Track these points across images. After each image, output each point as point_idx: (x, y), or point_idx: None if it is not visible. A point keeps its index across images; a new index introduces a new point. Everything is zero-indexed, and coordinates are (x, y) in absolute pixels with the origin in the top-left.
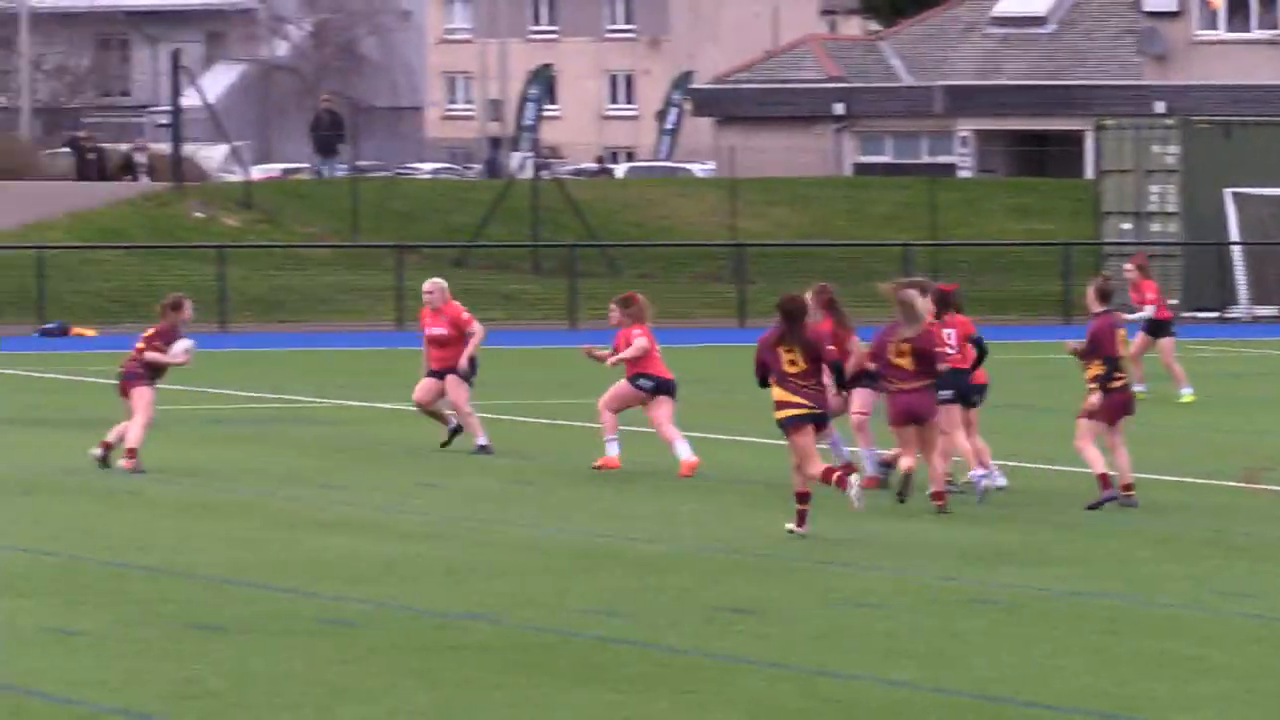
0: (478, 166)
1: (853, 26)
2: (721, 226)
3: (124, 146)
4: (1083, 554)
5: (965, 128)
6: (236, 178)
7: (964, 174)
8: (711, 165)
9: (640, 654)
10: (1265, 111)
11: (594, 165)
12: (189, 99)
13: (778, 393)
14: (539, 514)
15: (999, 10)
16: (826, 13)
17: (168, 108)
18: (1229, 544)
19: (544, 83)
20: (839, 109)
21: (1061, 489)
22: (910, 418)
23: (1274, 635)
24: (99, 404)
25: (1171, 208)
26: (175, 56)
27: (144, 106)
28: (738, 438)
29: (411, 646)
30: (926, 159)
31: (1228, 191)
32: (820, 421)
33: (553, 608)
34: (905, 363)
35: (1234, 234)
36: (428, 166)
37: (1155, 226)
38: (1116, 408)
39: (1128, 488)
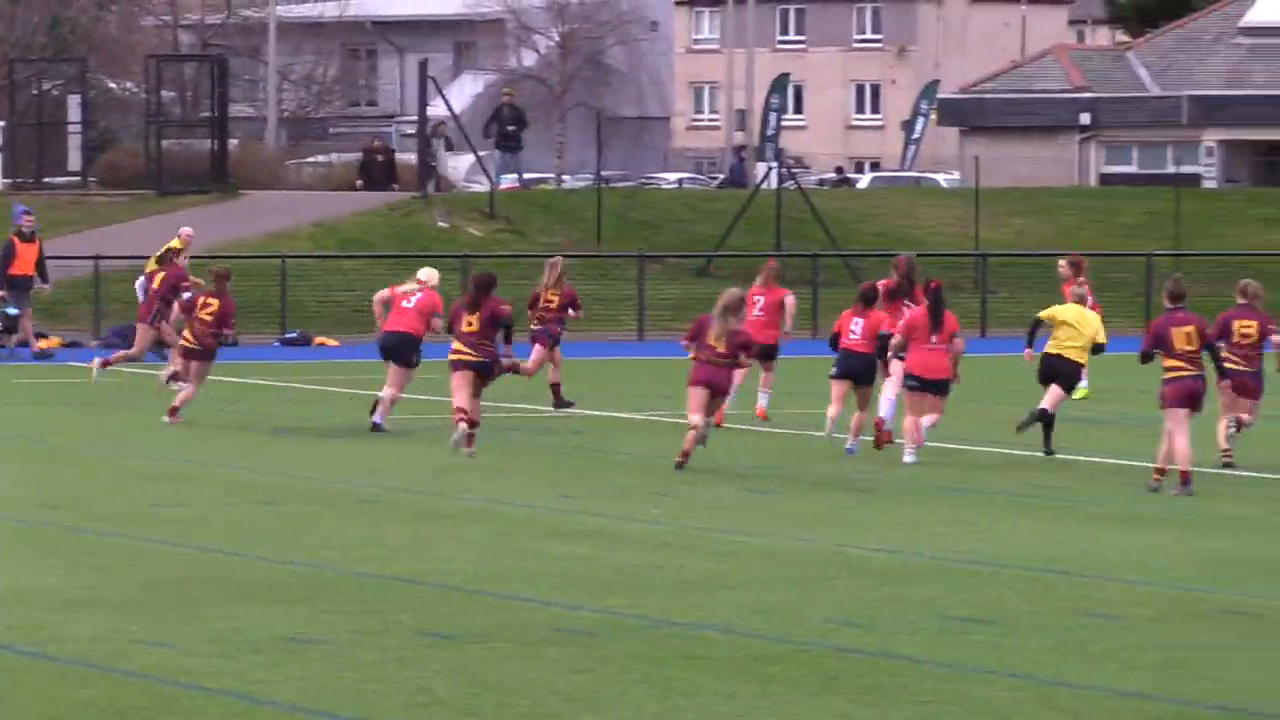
0: (721, 176)
1: (1101, 37)
2: (964, 236)
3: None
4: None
5: (1211, 138)
6: (482, 188)
7: (1209, 184)
8: (956, 175)
9: (876, 664)
10: None
11: (834, 175)
12: (436, 109)
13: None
14: (776, 523)
15: (1247, 20)
16: (1074, 23)
17: (414, 118)
18: None
19: (783, 91)
20: (1084, 119)
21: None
22: (707, 387)
23: None
24: (338, 413)
25: None
26: (423, 66)
27: (391, 116)
28: (979, 448)
29: (644, 656)
30: (1171, 169)
31: None
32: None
33: (788, 617)
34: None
35: None
36: (672, 176)
37: None
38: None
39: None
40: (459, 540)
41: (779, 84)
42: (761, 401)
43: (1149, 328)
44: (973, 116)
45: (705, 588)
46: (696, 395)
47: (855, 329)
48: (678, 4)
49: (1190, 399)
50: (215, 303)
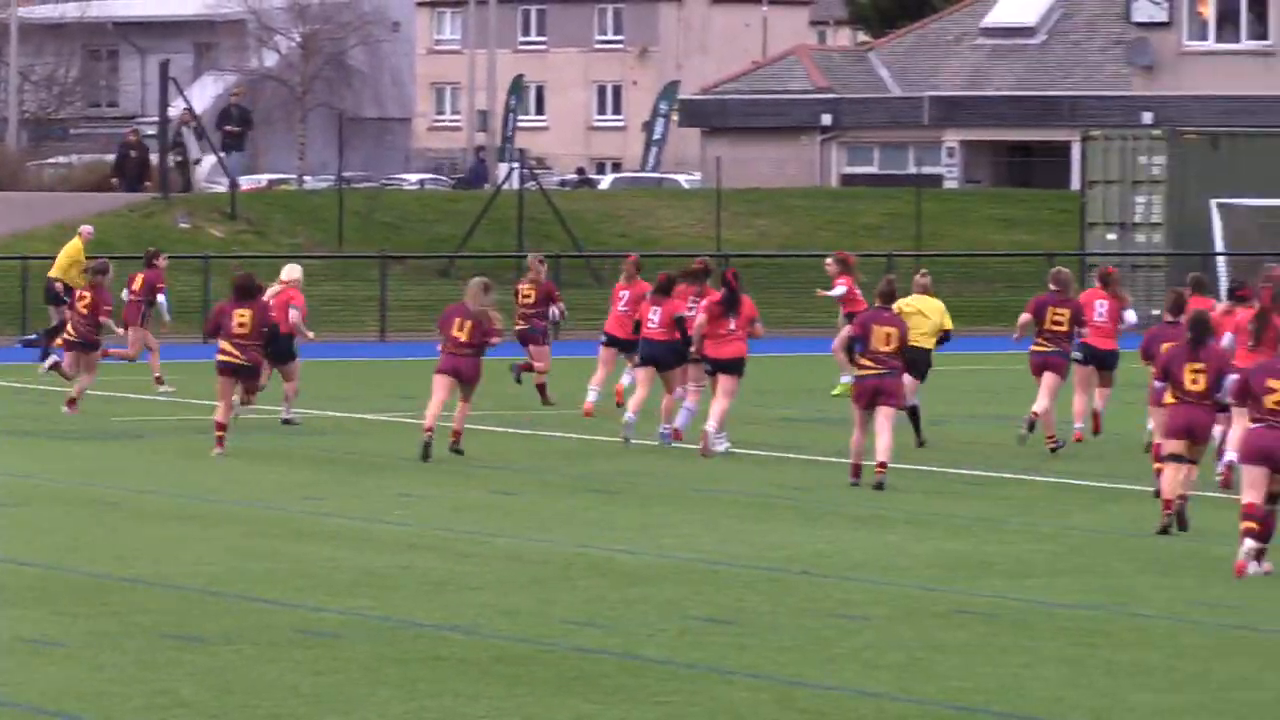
0: (459, 176)
1: (842, 37)
2: (706, 237)
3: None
4: (1062, 565)
5: (952, 138)
6: (222, 188)
7: (950, 185)
8: (697, 176)
9: (619, 664)
10: (1253, 122)
11: (576, 176)
12: (177, 109)
13: None
14: (520, 524)
15: (988, 21)
16: (816, 23)
17: (155, 119)
18: (1205, 554)
19: (520, 93)
20: (826, 119)
21: (1042, 499)
22: (453, 375)
23: (1250, 646)
24: (79, 415)
25: (1156, 218)
26: (164, 67)
27: (131, 117)
28: (714, 447)
29: (390, 657)
30: (913, 170)
31: (1213, 202)
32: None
33: (532, 619)
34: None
35: (1219, 245)
36: (414, 177)
37: (1140, 237)
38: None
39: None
40: (204, 542)
41: (516, 85)
42: (590, 398)
43: (856, 321)
44: (714, 117)
45: (449, 589)
46: (441, 384)
47: (654, 317)
48: (419, 4)
49: (872, 397)
50: (89, 296)
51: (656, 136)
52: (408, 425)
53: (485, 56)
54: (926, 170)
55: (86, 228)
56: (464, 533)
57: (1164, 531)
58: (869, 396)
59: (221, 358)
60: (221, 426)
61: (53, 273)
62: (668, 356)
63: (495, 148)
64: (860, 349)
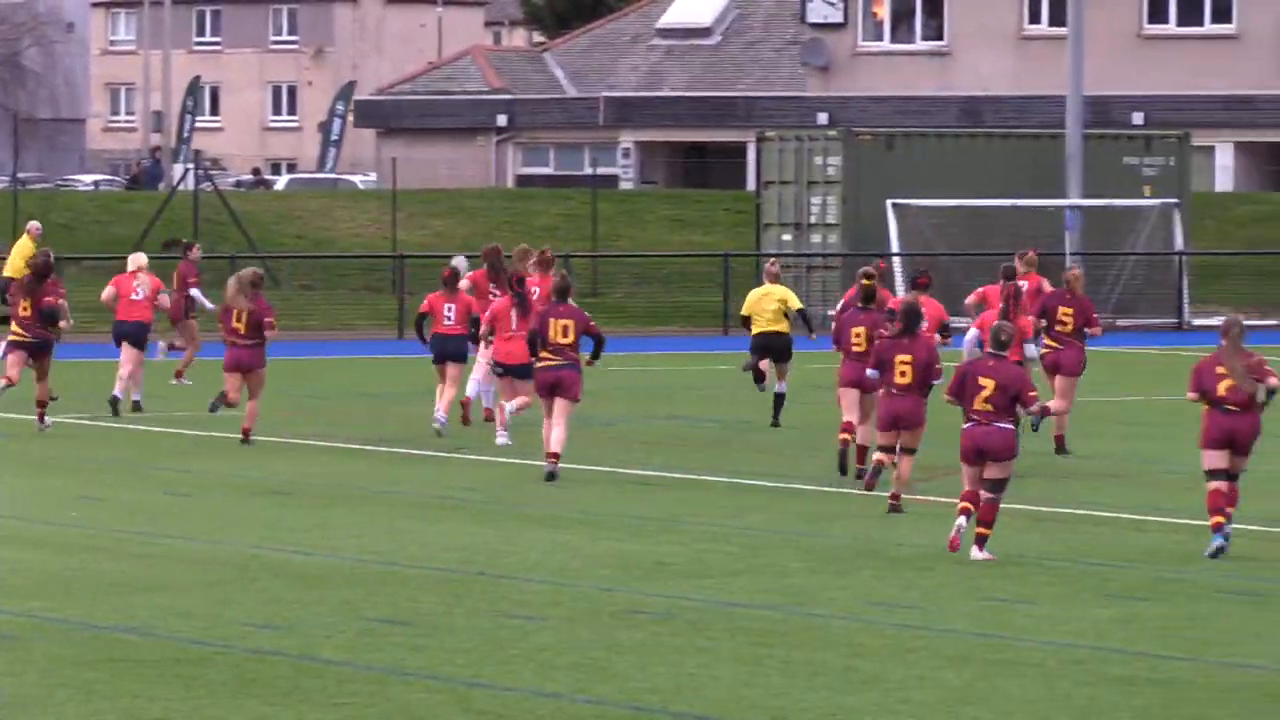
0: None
1: (518, 38)
2: (382, 238)
3: None
4: (739, 565)
5: (628, 139)
6: None
7: (626, 185)
8: (373, 176)
9: (296, 666)
10: (927, 123)
11: (251, 177)
12: None
13: None
14: (196, 526)
15: (664, 22)
16: (491, 24)
17: None
18: (883, 555)
19: (197, 94)
20: (502, 120)
21: (719, 499)
22: (237, 369)
23: (927, 645)
24: None
25: (832, 219)
26: None
27: None
28: (395, 450)
29: (67, 659)
30: (589, 170)
31: (889, 202)
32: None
33: (209, 620)
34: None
35: (895, 245)
36: (88, 178)
37: (816, 238)
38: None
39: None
40: None
41: (192, 87)
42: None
43: (534, 315)
44: (390, 118)
45: (125, 590)
46: (231, 379)
47: (449, 313)
48: (94, 5)
49: (551, 388)
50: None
51: (333, 137)
52: (87, 427)
53: (160, 57)
54: (602, 171)
55: (34, 224)
56: (139, 534)
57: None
58: (548, 388)
59: (12, 337)
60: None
61: (7, 271)
62: (460, 352)
63: (171, 149)
64: (541, 343)
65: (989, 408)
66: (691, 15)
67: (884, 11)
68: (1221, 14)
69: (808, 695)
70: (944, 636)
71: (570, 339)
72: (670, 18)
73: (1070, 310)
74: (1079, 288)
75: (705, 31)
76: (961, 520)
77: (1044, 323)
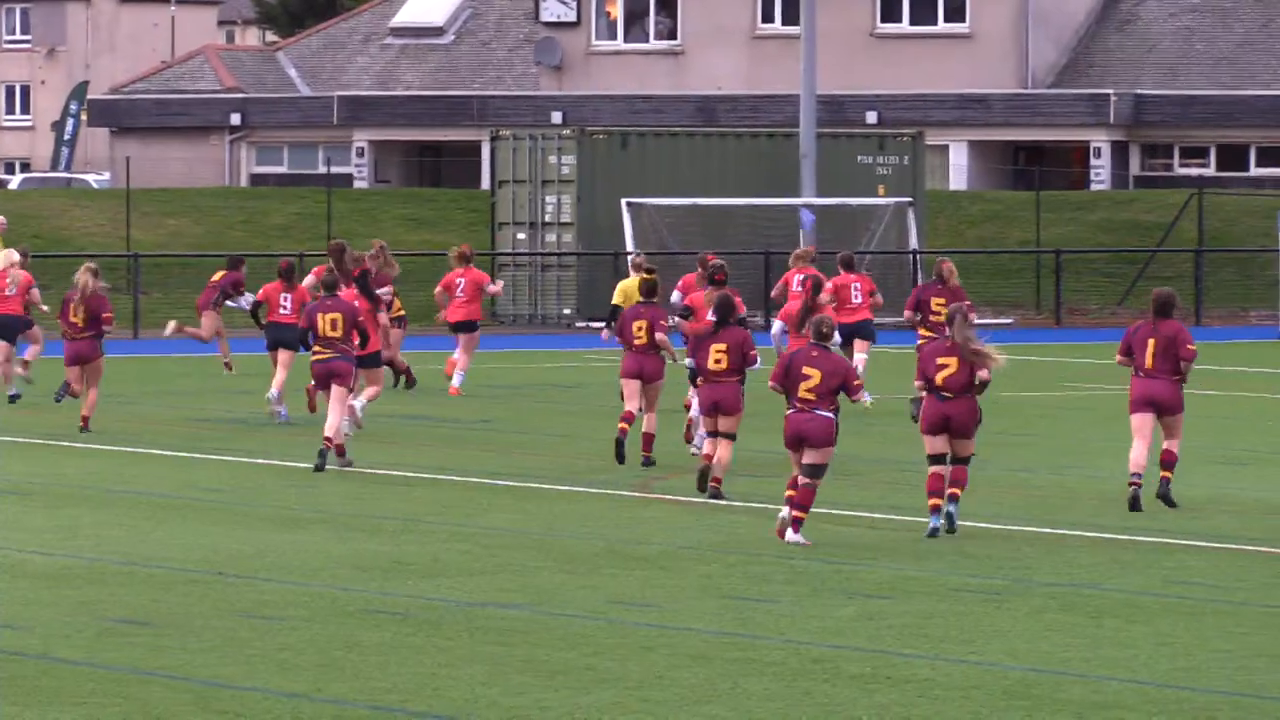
0: None
1: (251, 37)
2: (117, 237)
3: None
4: (479, 565)
5: (361, 138)
6: None
7: (360, 184)
8: (107, 176)
9: (37, 666)
10: (662, 122)
11: None
12: None
13: None
14: None
15: (397, 21)
16: (225, 23)
17: None
18: (624, 554)
19: None
20: (235, 119)
21: (460, 499)
22: (76, 363)
23: (667, 644)
24: None
25: (567, 218)
26: None
27: None
28: (138, 449)
29: None
30: (323, 170)
31: (624, 201)
32: None
33: None
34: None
35: (629, 244)
36: None
37: (551, 236)
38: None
39: None
40: None
41: None
42: (455, 381)
43: (306, 314)
44: (124, 117)
45: None
46: (71, 372)
47: (285, 303)
48: None
49: (326, 379)
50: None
51: (66, 137)
52: None
53: None
54: (336, 170)
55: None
56: None
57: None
58: (323, 379)
59: None
60: None
61: None
62: (294, 341)
63: None
64: (312, 337)
65: (812, 396)
66: (424, 14)
67: (617, 11)
68: (955, 13)
69: (547, 694)
70: (684, 635)
71: (339, 332)
72: (403, 17)
73: (943, 300)
74: (953, 279)
75: (438, 31)
76: (785, 512)
77: (918, 316)
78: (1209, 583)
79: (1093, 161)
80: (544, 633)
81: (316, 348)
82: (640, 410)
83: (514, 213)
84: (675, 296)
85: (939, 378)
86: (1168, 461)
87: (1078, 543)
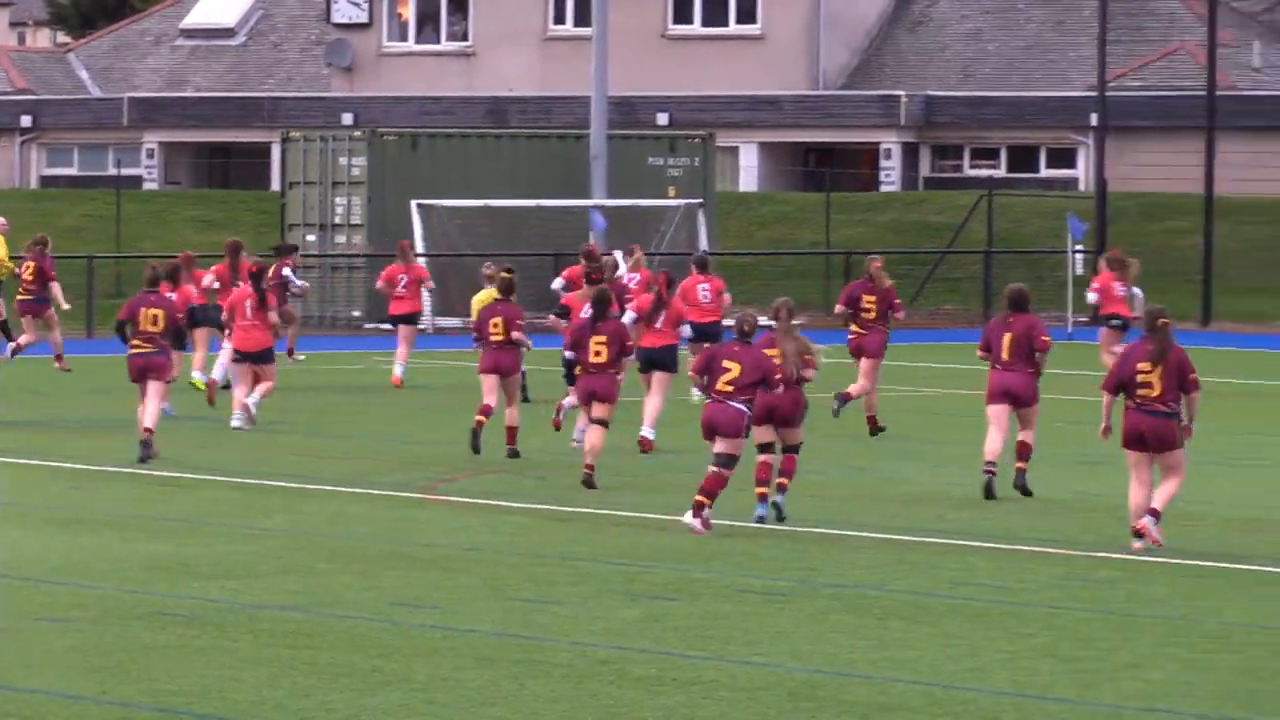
0: None
1: (42, 38)
2: None
3: None
4: (263, 567)
5: (152, 140)
6: None
7: (150, 186)
8: None
9: None
10: (453, 123)
11: None
12: None
13: None
14: None
15: (188, 22)
16: (16, 24)
17: None
18: (408, 555)
19: None
20: (26, 121)
21: (242, 501)
22: None
23: (451, 646)
24: None
25: (357, 219)
26: None
27: None
28: None
29: None
30: (113, 171)
31: (413, 203)
32: None
33: None
34: None
35: (419, 245)
36: None
37: (341, 238)
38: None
39: None
40: None
41: None
42: (397, 371)
43: (128, 306)
44: None
45: None
46: None
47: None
48: None
49: (141, 373)
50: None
51: None
52: None
53: None
54: (126, 172)
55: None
56: None
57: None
58: (138, 373)
59: None
60: None
61: None
62: (179, 338)
63: None
64: (131, 331)
65: (730, 389)
66: (215, 16)
67: (409, 12)
68: (746, 15)
69: (333, 696)
70: (468, 637)
71: (159, 327)
72: (194, 18)
73: (873, 298)
74: (881, 277)
75: (229, 32)
76: (696, 512)
77: (850, 310)
78: (994, 584)
79: (883, 163)
80: (329, 634)
81: (135, 342)
82: (500, 404)
83: (304, 214)
84: (557, 283)
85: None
86: (1023, 452)
87: (863, 544)
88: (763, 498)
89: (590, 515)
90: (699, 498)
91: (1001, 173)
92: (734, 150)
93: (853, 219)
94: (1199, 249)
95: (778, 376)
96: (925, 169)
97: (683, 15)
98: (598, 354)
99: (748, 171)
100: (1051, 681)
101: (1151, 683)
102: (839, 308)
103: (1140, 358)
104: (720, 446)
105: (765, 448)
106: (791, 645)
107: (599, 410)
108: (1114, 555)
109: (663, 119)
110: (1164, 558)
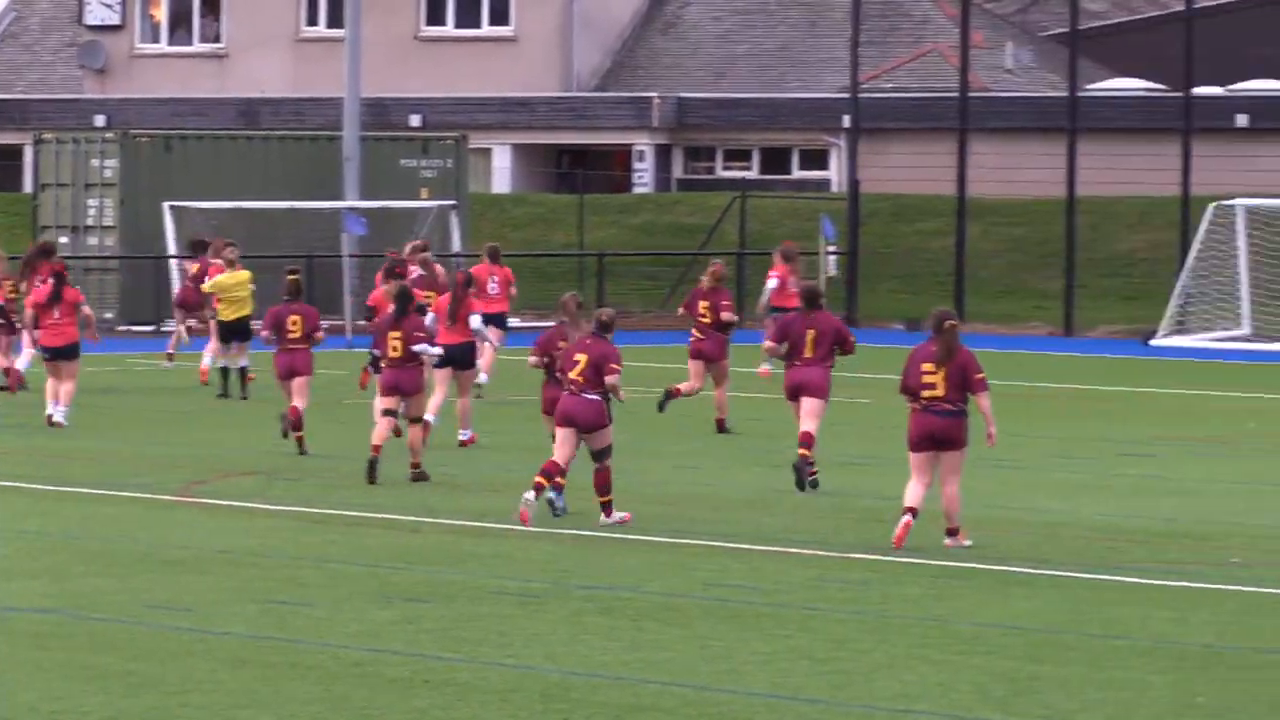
0: None
1: None
2: None
3: None
4: (16, 568)
5: None
6: None
7: None
8: None
9: None
10: (206, 125)
11: None
12: None
13: None
14: None
15: None
16: None
17: None
18: (162, 558)
19: None
20: None
21: (11, 506)
22: None
23: (205, 648)
24: None
25: (110, 221)
26: None
27: None
28: None
29: None
30: None
31: (166, 205)
32: None
33: None
34: None
35: (171, 247)
36: None
37: (93, 240)
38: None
39: None
40: None
41: None
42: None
43: None
44: None
45: None
46: None
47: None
48: None
49: None
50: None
51: None
52: None
53: None
54: None
55: None
56: None
57: (372, 468)
58: None
59: None
60: None
61: None
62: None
63: None
64: None
65: (581, 379)
66: None
67: (161, 13)
68: (499, 17)
69: (87, 699)
70: (222, 639)
71: None
72: None
73: (707, 303)
74: (719, 283)
75: None
76: (530, 495)
77: (687, 314)
78: (749, 585)
79: (636, 165)
80: (82, 637)
81: None
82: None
83: (56, 216)
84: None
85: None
86: (805, 441)
87: (618, 546)
88: (539, 487)
89: (344, 517)
90: (601, 499)
91: (754, 174)
92: (487, 152)
93: (606, 220)
94: (951, 250)
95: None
96: (678, 171)
97: (435, 17)
98: (395, 349)
99: (501, 173)
100: (805, 683)
101: (906, 683)
102: (680, 311)
103: (925, 358)
104: (590, 443)
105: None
106: (545, 647)
107: (412, 407)
108: (867, 556)
109: (415, 121)
110: (917, 559)
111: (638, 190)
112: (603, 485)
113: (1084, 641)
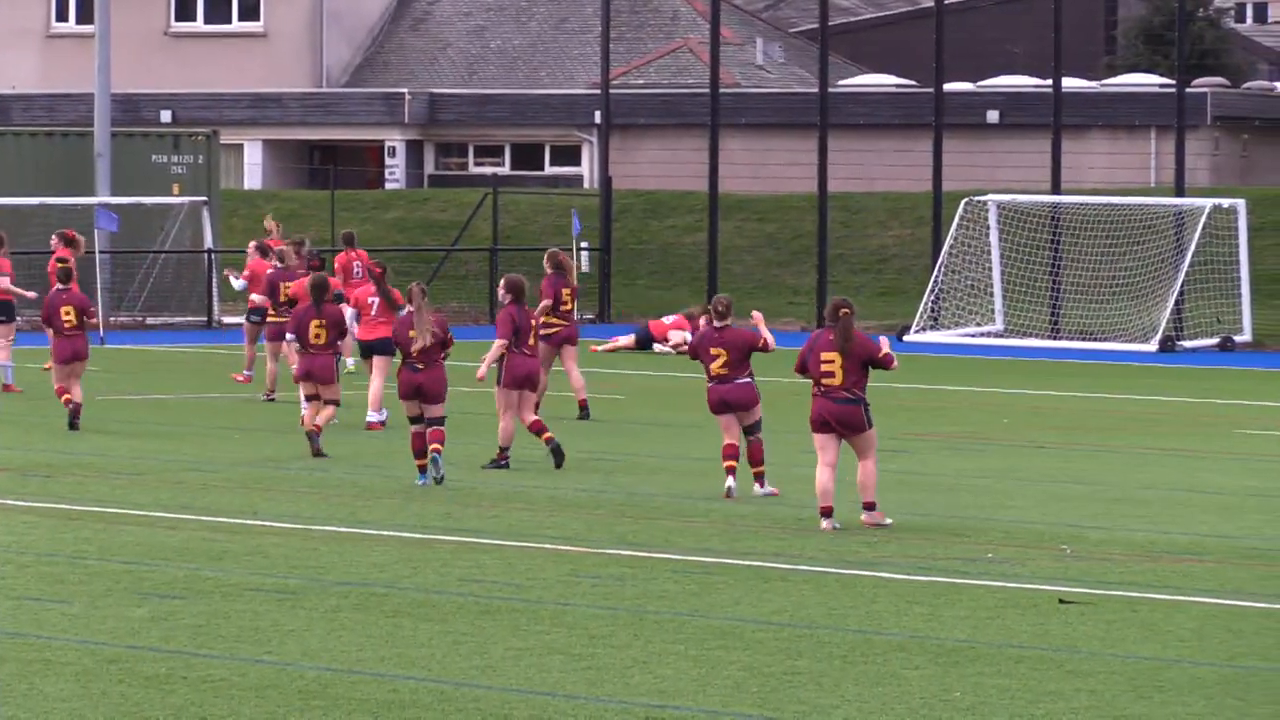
0: None
1: None
2: None
3: None
4: None
5: None
6: None
7: None
8: None
9: None
10: None
11: None
12: None
13: None
14: None
15: None
16: None
17: None
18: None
19: None
20: None
21: None
22: None
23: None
24: None
25: None
26: None
27: None
28: None
29: None
30: None
31: None
32: None
33: None
34: None
35: None
36: None
37: None
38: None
39: None
40: None
41: None
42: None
43: None
44: None
45: None
46: None
47: None
48: None
49: None
50: None
51: None
52: None
53: None
54: None
55: None
56: None
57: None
58: None
59: None
60: None
61: None
62: None
63: None
64: None
65: (725, 371)
66: None
67: None
68: (250, 13)
69: None
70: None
71: None
72: None
73: (569, 291)
74: (566, 267)
75: None
76: (730, 482)
77: (551, 303)
78: (503, 580)
79: (388, 161)
80: None
81: None
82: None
83: None
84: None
85: (413, 349)
86: (752, 456)
87: (373, 542)
88: (422, 469)
89: (99, 514)
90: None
91: (506, 170)
92: (239, 148)
93: (358, 216)
94: (704, 246)
95: (415, 347)
96: (430, 167)
97: (185, 13)
98: (317, 336)
99: (252, 169)
100: (562, 678)
101: (663, 679)
102: (545, 303)
103: (824, 347)
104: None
105: (415, 420)
106: (302, 643)
107: (326, 392)
108: (622, 552)
109: (166, 116)
110: (670, 554)
111: (390, 186)
112: (757, 457)
113: (840, 637)
